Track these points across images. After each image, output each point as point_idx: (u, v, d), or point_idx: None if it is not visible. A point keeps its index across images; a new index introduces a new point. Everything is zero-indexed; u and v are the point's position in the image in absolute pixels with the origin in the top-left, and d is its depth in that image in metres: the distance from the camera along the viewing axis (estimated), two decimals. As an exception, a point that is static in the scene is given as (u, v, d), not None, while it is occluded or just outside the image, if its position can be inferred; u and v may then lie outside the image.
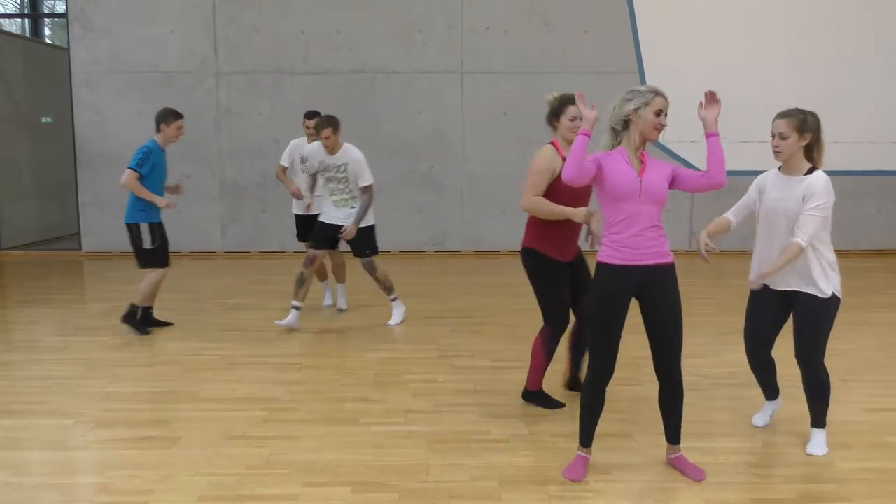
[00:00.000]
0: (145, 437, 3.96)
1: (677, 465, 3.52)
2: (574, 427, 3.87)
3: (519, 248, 4.26)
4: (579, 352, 4.39)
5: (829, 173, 3.48)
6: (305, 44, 9.80)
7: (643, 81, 9.76)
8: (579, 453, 3.52)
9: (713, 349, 5.37)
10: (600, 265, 3.31)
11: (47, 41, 13.99)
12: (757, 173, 3.71)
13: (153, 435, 4.00)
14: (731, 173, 3.58)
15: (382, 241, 10.05)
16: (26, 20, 13.98)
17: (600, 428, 3.77)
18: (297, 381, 4.94)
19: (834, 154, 9.23)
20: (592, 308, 3.33)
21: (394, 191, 10.00)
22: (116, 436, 3.99)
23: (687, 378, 3.75)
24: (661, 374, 3.39)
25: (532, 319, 6.41)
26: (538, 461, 3.69)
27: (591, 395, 3.44)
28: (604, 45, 9.72)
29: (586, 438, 3.50)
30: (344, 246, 5.97)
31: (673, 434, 3.49)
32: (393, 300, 6.06)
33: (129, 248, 5.73)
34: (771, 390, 3.98)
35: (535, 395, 4.26)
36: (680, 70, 9.65)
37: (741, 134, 9.75)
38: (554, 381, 4.70)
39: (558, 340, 4.16)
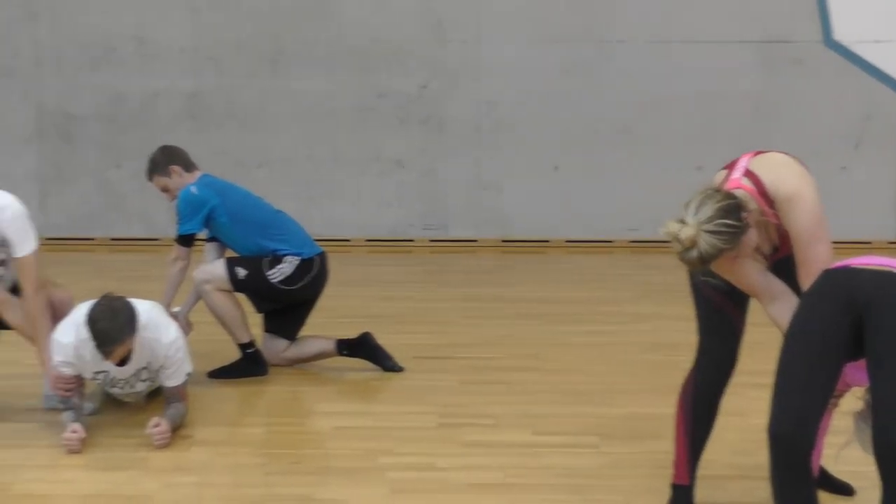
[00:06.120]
0: None
1: None
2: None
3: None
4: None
5: None
6: None
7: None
8: None
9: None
10: None
11: None
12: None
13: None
14: None
15: (341, 221, 9.81)
16: None
17: None
18: (186, 468, 4.95)
19: None
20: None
21: (352, 125, 9.76)
22: None
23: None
24: None
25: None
26: None
27: None
28: None
29: None
30: None
31: None
32: None
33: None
34: None
35: (679, 493, 4.38)
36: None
37: None
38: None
39: (709, 395, 4.26)
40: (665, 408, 4.51)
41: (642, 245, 9.39)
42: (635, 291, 8.10)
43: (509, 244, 9.75)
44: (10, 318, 5.55)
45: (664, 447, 4.56)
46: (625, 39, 9.43)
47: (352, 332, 6.36)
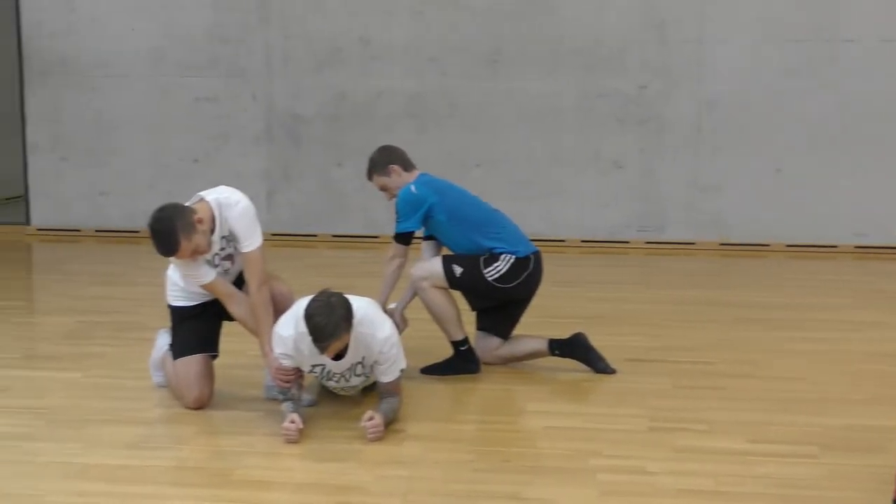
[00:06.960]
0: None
1: None
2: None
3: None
4: None
5: None
6: None
7: None
8: None
9: None
10: None
11: None
12: None
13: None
14: None
15: (559, 223, 9.99)
16: None
17: None
18: (397, 461, 5.01)
19: None
20: None
21: (570, 125, 9.75)
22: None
23: None
24: None
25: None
26: None
27: None
28: None
29: None
30: None
31: None
32: None
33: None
34: None
35: None
36: None
37: None
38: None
39: None
40: (888, 420, 4.38)
41: (868, 250, 9.15)
42: (859, 298, 7.90)
43: (727, 247, 9.58)
44: (234, 310, 5.68)
45: (888, 461, 4.40)
46: (853, 38, 9.15)
47: (564, 333, 6.30)
